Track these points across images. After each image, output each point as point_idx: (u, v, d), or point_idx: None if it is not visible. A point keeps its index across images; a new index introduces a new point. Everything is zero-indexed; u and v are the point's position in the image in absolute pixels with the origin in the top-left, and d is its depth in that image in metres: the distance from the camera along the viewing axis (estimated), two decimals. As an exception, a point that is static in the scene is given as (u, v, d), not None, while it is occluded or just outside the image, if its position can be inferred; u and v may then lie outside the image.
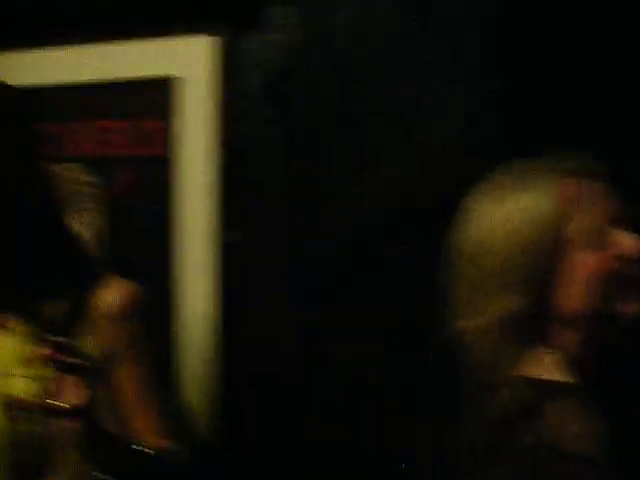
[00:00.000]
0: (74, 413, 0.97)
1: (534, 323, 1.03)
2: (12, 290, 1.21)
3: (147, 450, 1.10)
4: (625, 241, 1.02)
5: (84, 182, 1.63)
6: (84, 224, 1.59)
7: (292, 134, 1.55)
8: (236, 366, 1.59)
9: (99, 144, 1.69)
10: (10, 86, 1.21)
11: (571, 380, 1.02)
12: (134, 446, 1.10)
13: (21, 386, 1.03)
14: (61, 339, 1.01)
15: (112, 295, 1.20)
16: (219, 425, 1.59)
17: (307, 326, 1.55)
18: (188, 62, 1.60)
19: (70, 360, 0.98)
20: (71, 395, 0.97)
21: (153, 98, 1.63)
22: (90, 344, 1.15)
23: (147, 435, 1.16)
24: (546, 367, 1.02)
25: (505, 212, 1.05)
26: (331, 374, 1.53)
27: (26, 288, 1.20)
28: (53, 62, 1.71)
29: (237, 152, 1.58)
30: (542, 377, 1.01)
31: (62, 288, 1.20)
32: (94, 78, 1.67)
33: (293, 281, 1.56)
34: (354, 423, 1.51)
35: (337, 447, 1.52)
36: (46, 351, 0.97)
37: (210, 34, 1.58)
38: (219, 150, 1.58)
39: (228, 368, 1.59)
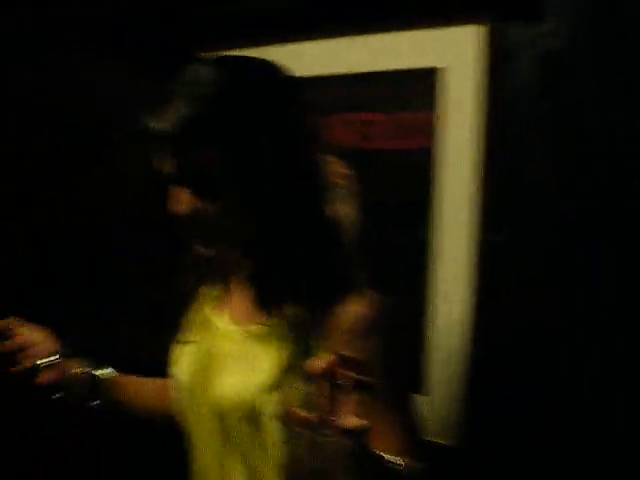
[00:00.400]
0: (353, 434, 0.88)
1: None
2: (274, 294, 1.17)
3: (398, 465, 1.02)
4: None
5: (342, 175, 1.61)
6: (338, 218, 1.58)
7: (565, 129, 1.45)
8: (489, 373, 1.53)
9: (361, 136, 1.67)
10: (293, 76, 1.19)
11: None
12: (388, 462, 1.01)
13: (294, 399, 0.99)
14: (347, 353, 0.95)
15: (355, 307, 1.12)
16: (467, 433, 1.54)
17: (568, 330, 1.45)
18: (454, 52, 1.54)
19: (356, 377, 0.88)
20: (351, 414, 0.87)
21: (418, 89, 1.59)
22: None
23: (388, 452, 1.05)
24: None
25: None
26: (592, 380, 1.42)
27: (287, 290, 1.16)
28: (318, 54, 1.72)
29: (504, 146, 1.50)
30: None
31: (313, 293, 1.14)
32: (357, 70, 1.66)
33: (558, 284, 1.46)
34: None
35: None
36: (330, 365, 0.88)
37: (477, 23, 1.50)
38: (485, 144, 1.51)
39: (480, 375, 1.53)
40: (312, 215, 1.19)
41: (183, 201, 1.14)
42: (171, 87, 1.11)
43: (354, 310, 1.12)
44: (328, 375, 0.88)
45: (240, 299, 1.25)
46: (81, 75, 2.04)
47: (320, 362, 0.88)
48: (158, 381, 1.45)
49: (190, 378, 1.26)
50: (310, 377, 0.88)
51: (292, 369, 1.11)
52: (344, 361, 0.89)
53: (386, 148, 1.63)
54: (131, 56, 2.03)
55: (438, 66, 1.56)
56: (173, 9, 1.97)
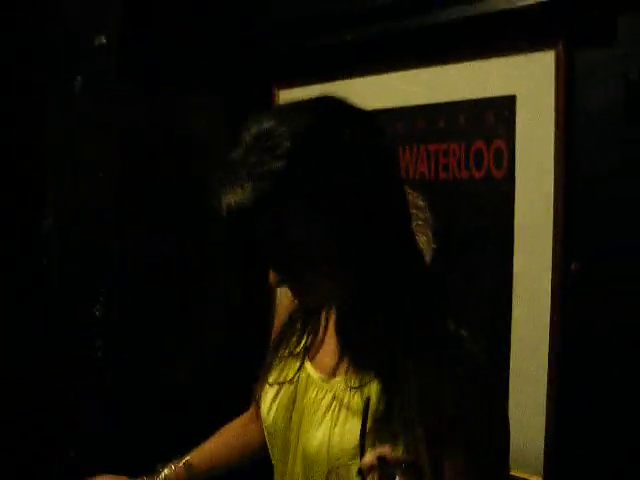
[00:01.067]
0: None
1: None
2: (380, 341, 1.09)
3: None
4: None
5: (419, 206, 1.62)
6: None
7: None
8: (571, 410, 1.49)
9: (435, 167, 1.67)
10: (370, 112, 1.12)
11: None
12: None
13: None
14: (395, 455, 0.91)
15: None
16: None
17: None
18: (528, 80, 1.52)
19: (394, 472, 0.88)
20: None
21: (492, 118, 1.58)
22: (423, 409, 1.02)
23: None
24: None
25: None
26: None
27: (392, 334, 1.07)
28: (389, 86, 1.74)
29: (583, 173, 1.47)
30: None
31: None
32: (431, 100, 1.67)
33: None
34: None
35: None
36: (374, 461, 0.88)
37: (549, 49, 1.48)
38: (562, 172, 1.49)
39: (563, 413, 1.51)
40: (408, 255, 1.12)
41: (274, 275, 1.06)
42: (237, 156, 0.99)
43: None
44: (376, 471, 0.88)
45: (333, 349, 1.18)
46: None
47: (369, 458, 0.88)
48: (224, 432, 1.43)
49: (278, 422, 1.21)
50: (360, 472, 0.89)
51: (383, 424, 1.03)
52: (392, 462, 0.88)
53: (462, 178, 1.63)
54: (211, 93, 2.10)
55: (512, 94, 1.54)
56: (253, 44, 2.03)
